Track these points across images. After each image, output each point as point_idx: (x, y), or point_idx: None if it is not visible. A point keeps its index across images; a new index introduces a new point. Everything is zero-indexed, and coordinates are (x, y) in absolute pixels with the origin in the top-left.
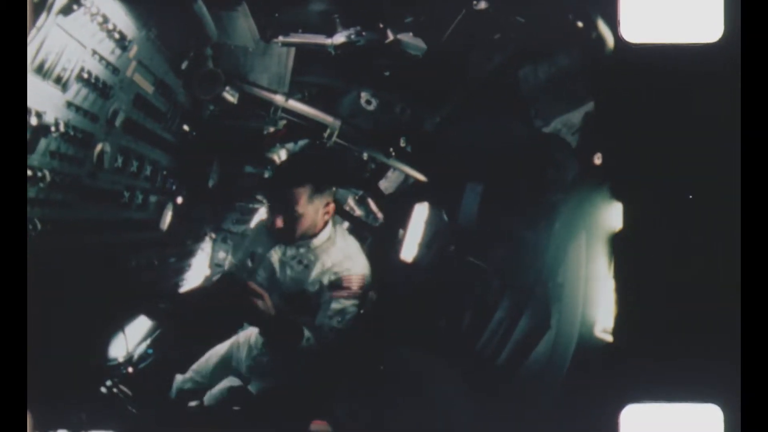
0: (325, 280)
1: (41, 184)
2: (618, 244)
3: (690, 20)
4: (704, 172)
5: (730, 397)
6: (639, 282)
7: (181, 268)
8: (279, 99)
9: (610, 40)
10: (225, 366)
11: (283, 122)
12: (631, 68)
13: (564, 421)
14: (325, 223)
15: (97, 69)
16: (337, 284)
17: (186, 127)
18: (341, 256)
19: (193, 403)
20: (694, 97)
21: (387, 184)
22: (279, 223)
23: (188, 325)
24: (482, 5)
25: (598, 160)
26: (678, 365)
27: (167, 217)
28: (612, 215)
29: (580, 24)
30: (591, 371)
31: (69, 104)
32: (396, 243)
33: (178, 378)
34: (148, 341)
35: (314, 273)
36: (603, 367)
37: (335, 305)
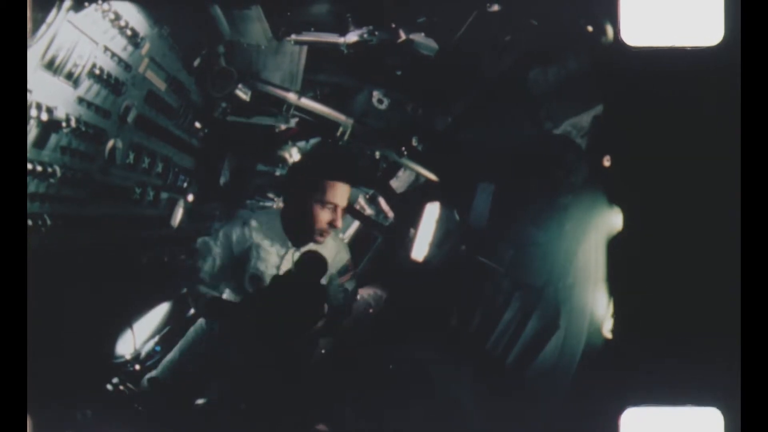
0: (334, 271)
1: (52, 180)
2: (621, 246)
3: (690, 24)
4: (704, 174)
5: (730, 401)
6: (640, 284)
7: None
8: (291, 97)
9: (616, 44)
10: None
11: (295, 120)
12: (631, 71)
13: (564, 424)
14: None
15: (109, 65)
16: (343, 271)
17: (198, 125)
18: (335, 247)
19: (200, 401)
20: (694, 99)
21: (398, 183)
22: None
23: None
24: (495, 7)
25: (607, 162)
26: (678, 368)
27: (178, 214)
28: (620, 217)
29: (589, 28)
30: (592, 374)
31: (80, 100)
32: (407, 242)
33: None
34: (156, 338)
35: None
36: (604, 369)
37: (348, 286)
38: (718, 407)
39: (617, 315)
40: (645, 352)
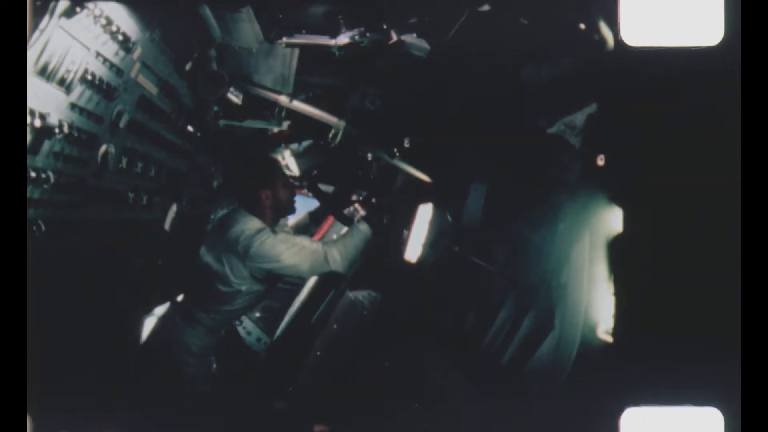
0: None
1: (45, 186)
2: (619, 246)
3: (690, 24)
4: (704, 174)
5: (730, 400)
6: (639, 284)
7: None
8: (283, 100)
9: (611, 43)
10: None
11: (287, 123)
12: (632, 71)
13: (564, 424)
14: None
15: (101, 71)
16: None
17: (190, 128)
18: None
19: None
20: (694, 99)
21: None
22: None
23: None
24: (486, 7)
25: (601, 161)
26: (678, 368)
27: (171, 218)
28: (614, 216)
29: (582, 26)
30: (592, 374)
31: (73, 106)
32: (400, 243)
33: None
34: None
35: None
36: (603, 370)
37: None
38: (718, 407)
39: (617, 315)
40: (645, 352)
